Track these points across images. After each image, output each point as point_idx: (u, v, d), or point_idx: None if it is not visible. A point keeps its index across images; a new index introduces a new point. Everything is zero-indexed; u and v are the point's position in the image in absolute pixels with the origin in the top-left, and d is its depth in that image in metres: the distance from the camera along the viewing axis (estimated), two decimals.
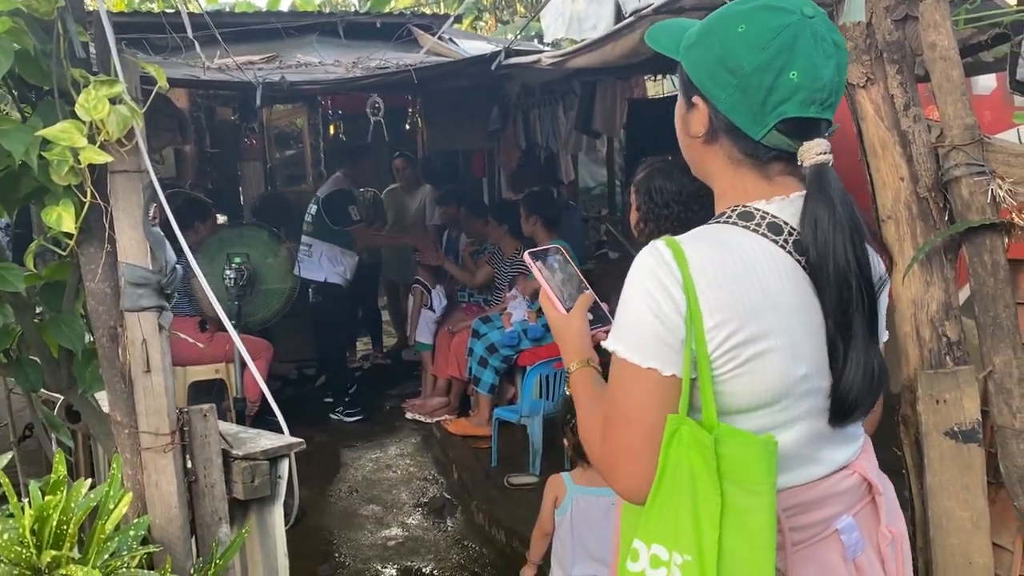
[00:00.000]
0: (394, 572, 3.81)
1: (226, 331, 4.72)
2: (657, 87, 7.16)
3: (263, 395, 5.52)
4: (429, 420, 5.60)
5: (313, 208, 5.99)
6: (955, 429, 1.88)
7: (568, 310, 1.41)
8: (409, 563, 3.88)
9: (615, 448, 1.19)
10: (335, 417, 5.90)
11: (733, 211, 1.23)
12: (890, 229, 1.95)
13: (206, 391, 4.95)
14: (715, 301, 1.12)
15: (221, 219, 7.87)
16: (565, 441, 2.89)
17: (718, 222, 1.24)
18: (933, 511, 1.89)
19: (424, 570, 3.82)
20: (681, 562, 1.11)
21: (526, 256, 1.50)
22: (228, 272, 4.60)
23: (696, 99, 1.26)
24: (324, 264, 5.90)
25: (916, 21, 1.94)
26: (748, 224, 1.21)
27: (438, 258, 6.14)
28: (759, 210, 1.22)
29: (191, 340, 4.52)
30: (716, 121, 1.24)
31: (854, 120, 2.01)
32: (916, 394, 1.90)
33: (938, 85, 1.90)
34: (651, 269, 1.16)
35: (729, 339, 1.13)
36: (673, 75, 6.24)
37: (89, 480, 1.40)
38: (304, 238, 5.98)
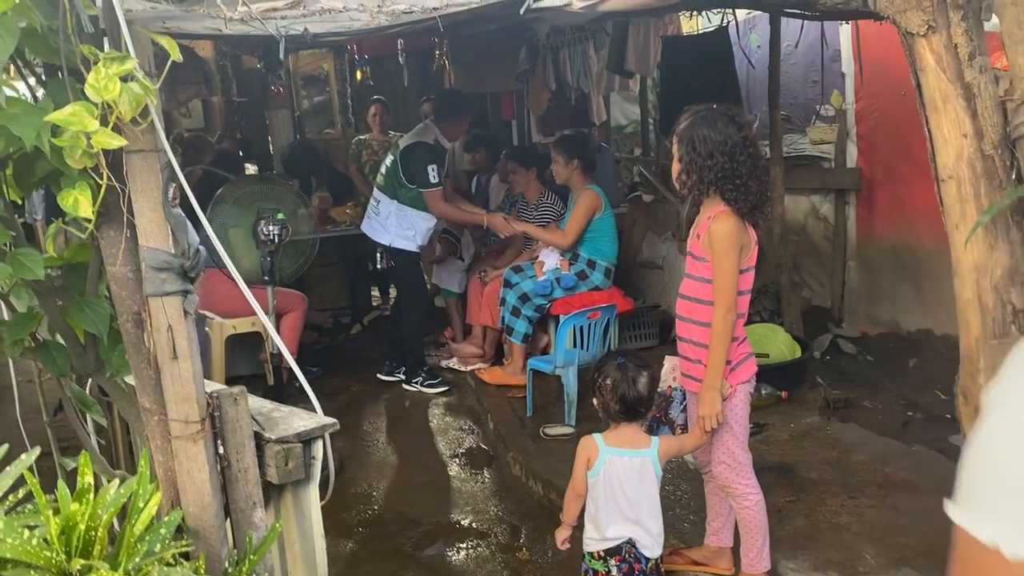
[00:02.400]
0: (432, 524, 3.82)
1: (261, 285, 4.68)
2: (692, 23, 6.87)
3: (300, 345, 5.47)
4: (463, 368, 5.59)
5: (389, 159, 5.29)
6: None
7: None
8: (449, 517, 3.89)
9: None
10: (412, 388, 5.39)
11: None
12: (951, 189, 1.82)
13: (243, 343, 4.99)
14: None
15: (251, 169, 7.85)
16: (595, 401, 2.83)
17: None
18: None
19: (463, 523, 3.83)
20: None
21: None
22: (272, 228, 4.56)
23: None
24: (391, 227, 5.17)
25: None
26: None
27: (513, 228, 5.29)
28: None
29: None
30: None
31: (912, 72, 1.86)
32: (977, 365, 1.80)
33: (1008, 32, 1.75)
34: None
35: None
36: (710, 11, 5.97)
37: (116, 482, 1.36)
38: (375, 192, 5.31)
